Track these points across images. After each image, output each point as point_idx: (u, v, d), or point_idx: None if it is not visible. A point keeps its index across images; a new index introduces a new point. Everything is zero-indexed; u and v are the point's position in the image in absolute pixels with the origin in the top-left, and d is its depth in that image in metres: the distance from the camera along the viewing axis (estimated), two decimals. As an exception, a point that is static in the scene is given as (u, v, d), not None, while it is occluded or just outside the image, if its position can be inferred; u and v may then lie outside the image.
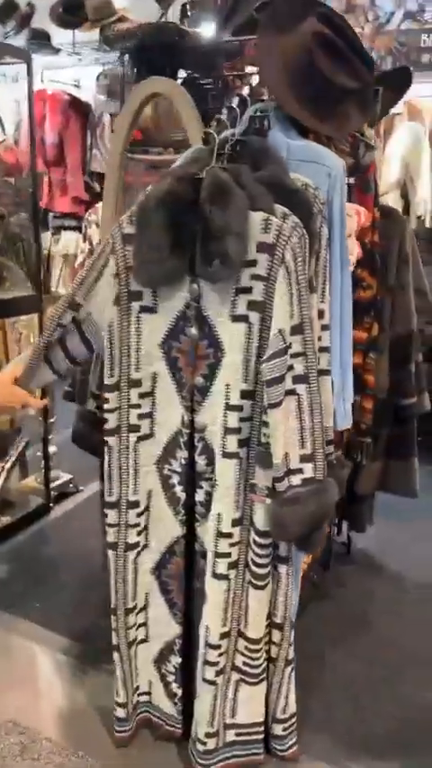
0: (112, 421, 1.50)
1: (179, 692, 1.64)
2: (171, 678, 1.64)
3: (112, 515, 1.55)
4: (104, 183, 1.78)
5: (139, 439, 1.52)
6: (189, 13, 3.26)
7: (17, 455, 2.69)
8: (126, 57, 1.90)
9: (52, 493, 2.89)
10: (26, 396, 1.51)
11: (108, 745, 1.67)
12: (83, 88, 5.00)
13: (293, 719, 1.62)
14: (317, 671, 1.92)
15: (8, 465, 2.64)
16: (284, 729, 1.61)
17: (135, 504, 1.55)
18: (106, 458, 1.54)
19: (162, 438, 1.51)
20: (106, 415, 1.51)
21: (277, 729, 1.61)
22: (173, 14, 3.85)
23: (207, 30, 2.60)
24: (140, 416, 1.50)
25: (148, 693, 1.69)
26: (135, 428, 1.51)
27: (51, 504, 2.88)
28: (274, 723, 1.60)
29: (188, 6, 3.28)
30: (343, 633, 2.11)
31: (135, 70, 1.84)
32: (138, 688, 1.68)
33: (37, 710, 1.79)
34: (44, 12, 4.42)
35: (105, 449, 1.53)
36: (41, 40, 4.56)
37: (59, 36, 4.56)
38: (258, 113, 1.45)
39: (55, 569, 2.45)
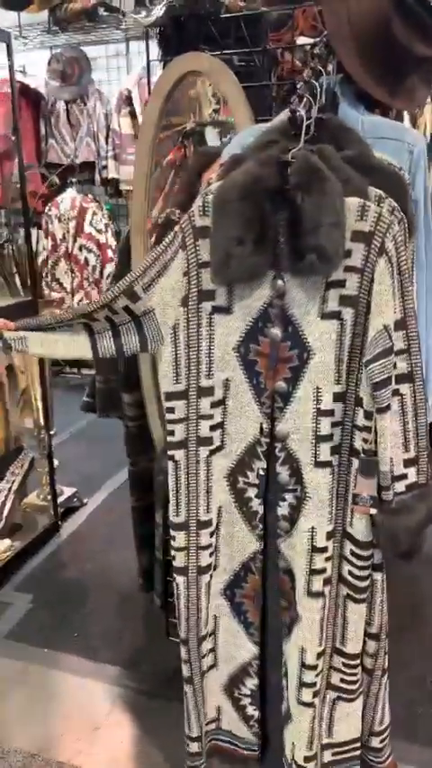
0: (178, 433, 1.36)
1: (255, 713, 1.54)
2: (246, 701, 1.54)
3: (180, 538, 1.42)
4: (134, 172, 1.61)
5: (211, 452, 1.39)
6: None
7: (23, 476, 2.49)
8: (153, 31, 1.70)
9: (59, 509, 2.71)
10: None
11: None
12: (29, 75, 4.71)
13: (388, 729, 1.55)
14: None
15: (15, 486, 2.44)
16: (381, 741, 1.53)
17: (207, 524, 1.42)
18: (171, 475, 1.40)
19: (236, 449, 1.39)
20: (171, 427, 1.37)
21: (374, 742, 1.53)
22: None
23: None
24: (212, 427, 1.37)
25: (217, 720, 1.59)
26: (206, 441, 1.38)
27: (59, 522, 2.70)
28: (372, 736, 1.53)
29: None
30: (401, 624, 2.05)
31: (161, 45, 1.65)
32: (205, 715, 1.57)
33: (101, 755, 1.64)
34: (-15, -8, 4.13)
35: (170, 464, 1.39)
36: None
37: (3, 19, 4.27)
38: (324, 88, 1.33)
39: (82, 594, 2.29)
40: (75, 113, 4.46)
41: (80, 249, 4.53)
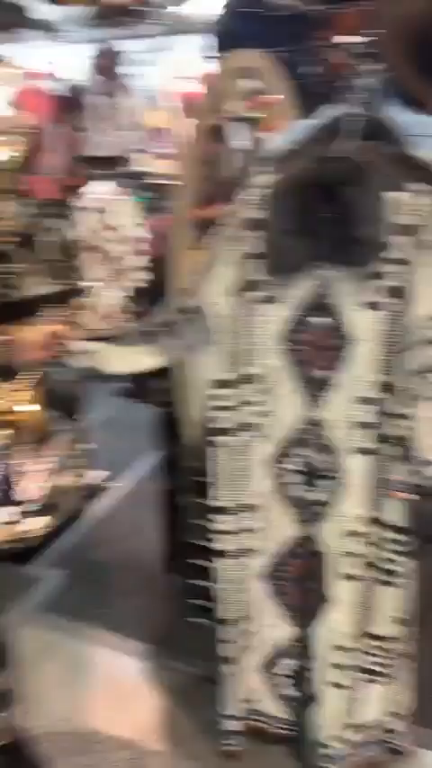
0: (222, 419, 1.42)
1: (291, 694, 1.59)
2: (282, 682, 1.59)
3: (220, 521, 1.48)
4: (182, 165, 1.67)
5: (254, 438, 1.44)
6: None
7: (60, 456, 2.57)
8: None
9: (89, 491, 2.79)
10: None
11: (217, 755, 1.62)
12: (63, 68, 4.79)
13: (412, 714, 1.59)
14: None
15: (51, 467, 2.52)
16: (405, 726, 1.58)
17: (247, 508, 1.48)
18: (212, 460, 1.46)
19: (278, 436, 1.44)
20: (215, 413, 1.43)
21: (398, 726, 1.58)
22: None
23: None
24: (255, 414, 1.43)
25: (253, 700, 1.64)
26: (249, 427, 1.43)
27: (92, 504, 2.78)
28: (396, 720, 1.57)
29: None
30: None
31: (218, 42, 1.70)
32: (241, 696, 1.63)
33: (139, 725, 1.71)
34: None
35: (212, 450, 1.45)
36: (13, 16, 4.32)
37: (37, 12, 4.33)
38: (368, 87, 1.37)
39: (110, 571, 2.36)
40: (110, 107, 4.54)
41: (108, 240, 4.60)
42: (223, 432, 1.43)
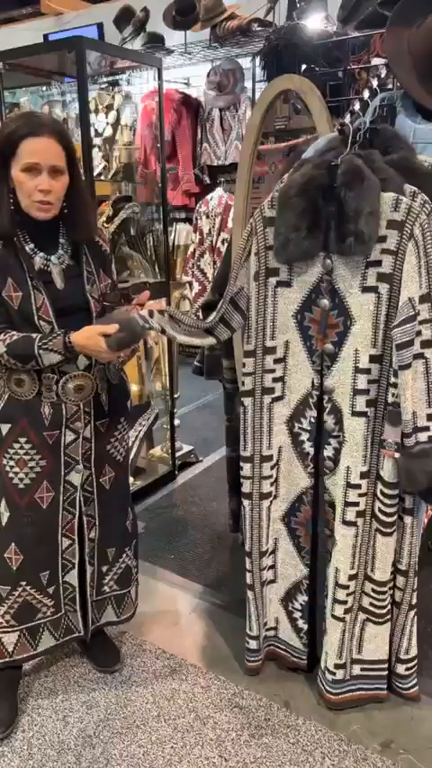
0: (248, 384, 1.69)
1: (305, 626, 1.83)
2: (298, 615, 1.83)
3: (247, 468, 1.74)
4: (237, 174, 1.97)
5: (273, 400, 1.70)
6: (298, 5, 3.39)
7: (148, 426, 2.97)
8: (257, 58, 2.06)
9: (177, 462, 3.17)
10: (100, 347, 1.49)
11: (240, 674, 1.89)
12: (192, 86, 5.25)
13: (415, 661, 1.75)
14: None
15: (141, 435, 2.93)
16: (407, 669, 1.75)
17: (268, 458, 1.74)
18: (241, 417, 1.73)
19: (293, 399, 1.69)
20: (243, 378, 1.71)
21: (400, 669, 1.75)
22: (279, 7, 4.00)
23: (315, 21, 2.71)
24: (274, 380, 1.69)
25: (275, 629, 1.89)
26: (269, 390, 1.69)
27: (176, 472, 3.16)
28: (397, 663, 1.75)
29: (297, -2, 3.41)
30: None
31: (264, 70, 2.00)
32: (266, 624, 1.88)
33: (180, 642, 2.04)
34: (158, 16, 4.72)
35: (241, 409, 1.72)
36: (156, 43, 4.86)
37: (171, 38, 4.84)
38: (385, 102, 1.59)
39: (184, 528, 2.72)
40: (227, 119, 4.92)
41: (223, 243, 4.98)
42: (249, 393, 1.70)
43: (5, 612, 1.71)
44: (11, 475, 1.63)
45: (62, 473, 1.66)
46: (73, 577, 1.77)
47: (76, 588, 1.79)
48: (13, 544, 1.67)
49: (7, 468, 1.63)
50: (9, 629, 1.72)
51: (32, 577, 1.71)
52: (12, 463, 1.62)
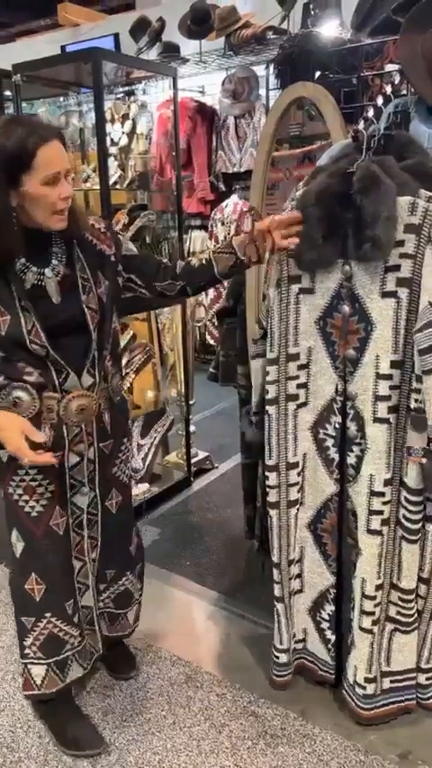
0: (272, 391, 1.67)
1: (332, 638, 1.80)
2: (325, 625, 1.80)
3: (272, 477, 1.71)
4: (252, 181, 1.97)
5: (298, 407, 1.69)
6: (312, 13, 3.40)
7: (163, 433, 2.97)
8: (272, 66, 2.07)
9: (192, 468, 3.17)
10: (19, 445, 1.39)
11: (261, 683, 1.87)
12: (207, 94, 5.29)
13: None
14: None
15: (156, 441, 2.93)
16: (428, 679, 1.73)
17: (294, 465, 1.71)
18: (266, 425, 1.70)
19: (317, 405, 1.67)
20: (267, 387, 1.68)
21: (421, 678, 1.73)
22: (294, 15, 4.02)
23: (329, 28, 2.72)
24: (298, 386, 1.67)
25: (303, 640, 1.86)
26: (293, 397, 1.68)
27: (192, 479, 3.15)
28: (419, 672, 1.72)
29: (311, 6, 3.42)
30: None
31: (278, 77, 2.00)
32: (294, 635, 1.85)
33: (196, 649, 2.03)
34: (173, 25, 4.77)
35: (266, 417, 1.70)
36: (172, 52, 4.90)
37: (186, 47, 4.88)
38: (399, 108, 1.59)
39: (199, 535, 2.71)
40: (242, 126, 4.94)
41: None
42: (273, 402, 1.68)
43: (32, 644, 1.65)
44: (21, 503, 1.56)
45: (68, 495, 1.60)
46: (88, 599, 1.73)
47: (93, 609, 1.76)
48: (33, 574, 1.61)
49: (16, 497, 1.56)
50: (36, 662, 1.66)
51: (57, 608, 1.64)
52: (20, 491, 1.55)
